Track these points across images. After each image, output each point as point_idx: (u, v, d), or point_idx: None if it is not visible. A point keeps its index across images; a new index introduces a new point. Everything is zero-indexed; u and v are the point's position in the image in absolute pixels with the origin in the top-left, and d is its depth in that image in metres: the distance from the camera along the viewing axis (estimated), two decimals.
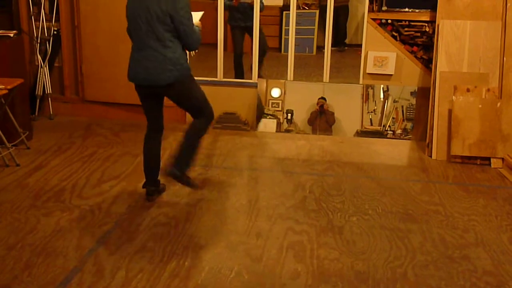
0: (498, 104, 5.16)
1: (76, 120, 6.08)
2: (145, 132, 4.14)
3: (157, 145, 4.12)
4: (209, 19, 6.25)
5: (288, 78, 5.92)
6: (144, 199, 4.14)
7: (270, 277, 3.19)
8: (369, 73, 5.78)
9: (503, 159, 5.09)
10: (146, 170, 4.13)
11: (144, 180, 4.16)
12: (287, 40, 5.95)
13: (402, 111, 5.80)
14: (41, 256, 3.32)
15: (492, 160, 5.13)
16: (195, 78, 5.93)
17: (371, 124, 5.84)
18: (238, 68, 6.55)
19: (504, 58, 5.20)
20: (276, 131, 5.91)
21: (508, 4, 5.20)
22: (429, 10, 5.53)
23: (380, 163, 5.15)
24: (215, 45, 5.94)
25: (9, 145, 4.80)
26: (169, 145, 5.35)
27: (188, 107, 4.11)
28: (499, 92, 5.20)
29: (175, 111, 6.06)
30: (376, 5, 5.62)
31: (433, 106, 5.37)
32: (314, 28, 6.65)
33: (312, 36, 6.87)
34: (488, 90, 5.20)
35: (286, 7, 7.04)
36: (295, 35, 5.83)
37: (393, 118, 5.81)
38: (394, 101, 5.80)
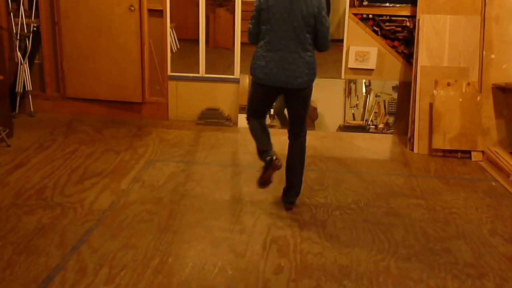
0: (478, 98, 5.22)
1: (57, 117, 6.03)
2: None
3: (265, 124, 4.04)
4: (191, 15, 6.25)
5: None
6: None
7: (254, 272, 3.20)
8: (351, 68, 5.81)
9: (483, 152, 5.15)
10: (266, 142, 3.94)
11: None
12: None
13: (384, 105, 5.84)
14: (23, 254, 3.30)
15: (472, 153, 5.19)
16: (177, 74, 5.98)
17: (354, 119, 5.87)
18: None
19: (484, 52, 5.25)
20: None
21: None
22: (410, 5, 5.57)
23: (363, 157, 5.18)
24: (197, 41, 5.93)
25: None
26: (152, 142, 5.34)
27: (301, 113, 3.93)
28: (479, 86, 5.25)
29: (157, 107, 6.05)
30: (357, 0, 5.65)
31: (414, 100, 5.42)
32: None
33: None
34: (468, 84, 5.25)
35: None
36: None
37: (375, 112, 5.84)
38: (376, 96, 5.83)
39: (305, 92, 3.79)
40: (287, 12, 3.62)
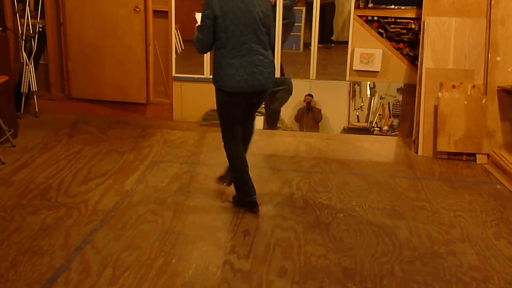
0: (483, 101, 5.20)
1: (62, 117, 6.04)
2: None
3: (243, 151, 4.06)
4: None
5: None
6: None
7: (258, 274, 3.19)
8: (355, 70, 5.80)
9: (488, 155, 5.13)
10: (244, 181, 3.95)
11: (239, 194, 4.01)
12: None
13: (389, 107, 5.82)
14: (27, 254, 3.30)
15: (477, 156, 5.17)
16: (182, 75, 5.99)
17: (358, 121, 5.86)
18: None
19: (489, 55, 5.24)
20: (263, 128, 5.91)
21: (493, 1, 5.24)
22: (415, 7, 5.55)
23: (367, 159, 5.17)
24: None
25: None
26: (156, 143, 5.34)
27: (257, 109, 4.11)
28: (484, 89, 5.24)
29: (162, 108, 6.05)
30: (362, 2, 5.64)
31: (419, 102, 5.40)
32: (300, 25, 6.65)
33: (299, 33, 6.87)
34: (474, 86, 5.24)
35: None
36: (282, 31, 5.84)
37: (379, 114, 5.83)
38: (381, 98, 5.82)
39: (268, 90, 3.90)
40: (245, 16, 3.62)
